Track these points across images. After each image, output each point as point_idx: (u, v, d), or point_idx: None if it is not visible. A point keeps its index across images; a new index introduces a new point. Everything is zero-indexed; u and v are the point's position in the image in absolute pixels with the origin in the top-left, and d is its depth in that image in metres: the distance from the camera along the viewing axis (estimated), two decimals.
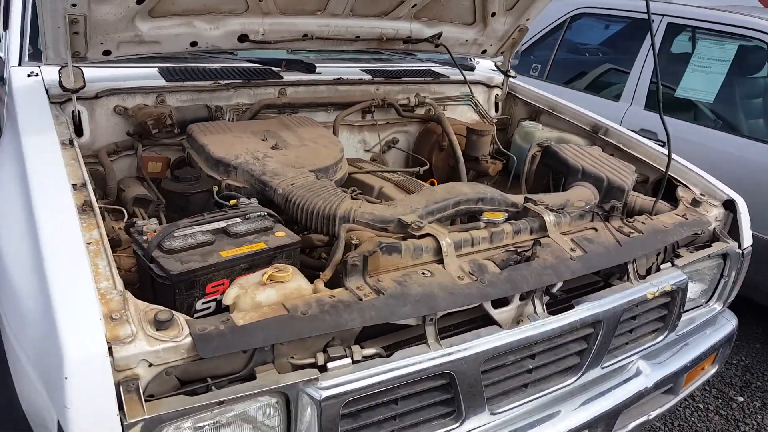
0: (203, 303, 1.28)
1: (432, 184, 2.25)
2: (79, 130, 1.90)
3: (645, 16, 4.12)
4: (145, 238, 1.31)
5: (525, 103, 2.89)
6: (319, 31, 2.27)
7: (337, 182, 1.91)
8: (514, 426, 1.52)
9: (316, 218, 1.59)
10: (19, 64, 1.98)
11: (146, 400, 1.04)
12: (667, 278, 1.74)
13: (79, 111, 1.87)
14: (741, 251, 1.99)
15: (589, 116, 2.60)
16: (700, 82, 3.77)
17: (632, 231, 1.74)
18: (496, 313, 1.48)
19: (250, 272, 1.32)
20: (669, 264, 1.81)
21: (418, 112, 2.69)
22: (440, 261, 1.47)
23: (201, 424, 1.11)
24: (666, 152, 2.24)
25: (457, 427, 1.40)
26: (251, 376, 1.15)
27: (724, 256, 1.99)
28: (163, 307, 1.11)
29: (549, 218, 1.66)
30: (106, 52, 1.87)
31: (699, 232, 1.96)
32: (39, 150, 1.47)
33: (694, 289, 1.98)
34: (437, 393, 1.36)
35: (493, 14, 2.61)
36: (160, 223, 1.52)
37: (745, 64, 3.70)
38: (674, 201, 2.07)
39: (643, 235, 1.73)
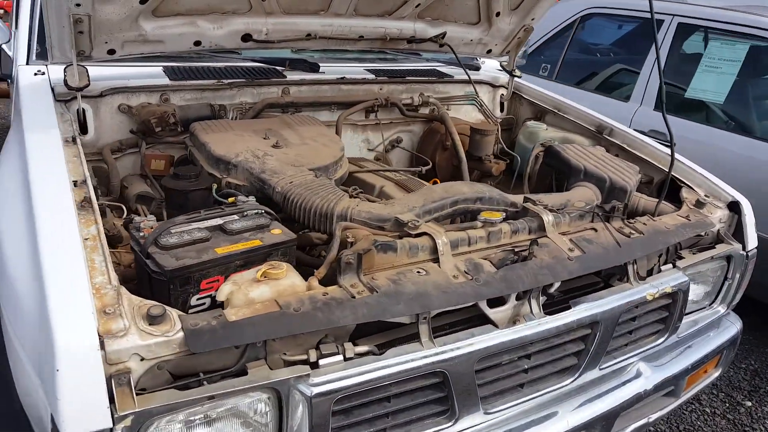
0: (198, 299, 1.29)
1: (435, 183, 2.25)
2: (83, 128, 1.93)
3: (656, 16, 4.11)
4: (142, 234, 1.33)
5: (530, 103, 2.88)
6: (322, 30, 2.28)
7: (337, 181, 1.92)
8: (509, 426, 1.52)
9: (313, 216, 1.60)
10: (27, 63, 2.02)
11: (137, 394, 1.05)
12: (667, 280, 1.73)
13: (83, 109, 1.90)
14: (745, 253, 1.97)
15: (593, 116, 2.58)
16: (711, 82, 3.72)
17: (633, 232, 1.72)
18: (492, 313, 1.48)
19: (246, 269, 1.33)
20: (670, 265, 1.79)
21: (422, 112, 2.69)
22: (436, 260, 1.47)
23: (192, 418, 1.12)
24: (677, 153, 2.23)
25: (450, 426, 1.39)
26: (243, 372, 1.16)
27: (728, 258, 1.96)
28: (156, 303, 1.13)
29: (547, 218, 1.65)
30: (111, 51, 1.89)
31: (702, 234, 1.94)
32: (41, 147, 1.49)
33: (697, 291, 1.96)
34: (430, 391, 1.36)
35: (498, 14, 2.60)
36: (159, 220, 1.54)
37: (757, 64, 3.65)
38: (678, 202, 2.05)
39: (644, 236, 1.72)
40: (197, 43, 2.05)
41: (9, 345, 1.28)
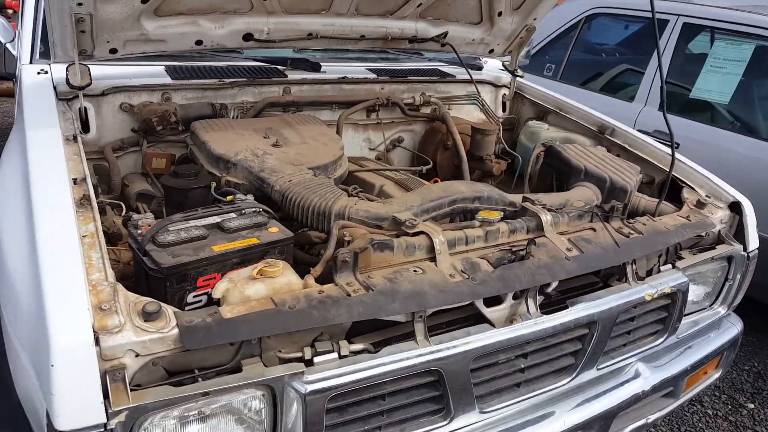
0: (194, 296, 1.30)
1: (435, 183, 2.25)
2: (85, 127, 1.94)
3: (660, 16, 4.11)
4: (139, 231, 1.34)
5: (532, 103, 2.87)
6: (323, 30, 2.29)
7: (336, 180, 1.92)
8: (506, 425, 1.52)
9: (311, 215, 1.61)
10: (30, 62, 2.04)
11: (132, 390, 1.06)
12: (666, 280, 1.72)
13: (85, 108, 1.91)
14: (746, 254, 1.96)
15: (595, 116, 2.57)
16: (716, 82, 3.70)
17: (632, 232, 1.72)
18: (489, 312, 1.48)
19: (242, 267, 1.34)
20: (669, 266, 1.78)
21: (423, 112, 2.69)
22: (433, 259, 1.47)
23: (186, 415, 1.13)
24: (678, 153, 2.22)
25: (445, 425, 1.40)
26: (237, 369, 1.17)
27: (729, 258, 1.95)
28: (151, 299, 1.14)
29: (546, 218, 1.65)
30: (113, 51, 1.91)
31: (703, 235, 1.93)
32: (41, 144, 1.51)
33: (697, 292, 1.96)
34: (425, 390, 1.37)
35: (500, 14, 2.60)
36: (159, 218, 1.55)
37: (762, 64, 3.62)
38: (680, 202, 2.04)
39: (643, 237, 1.71)
40: (199, 43, 2.06)
41: (8, 342, 1.29)
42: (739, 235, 1.99)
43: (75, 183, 1.41)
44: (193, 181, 1.65)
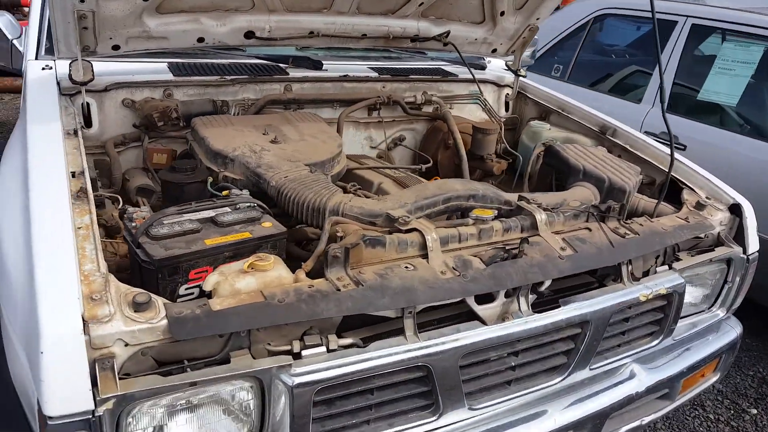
0: (186, 289, 1.32)
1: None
2: (88, 122, 1.97)
3: (669, 17, 4.08)
4: (134, 224, 1.36)
5: (535, 103, 2.87)
6: (325, 28, 2.30)
7: (334, 177, 1.94)
8: (496, 423, 1.52)
9: (306, 211, 1.62)
10: (36, 58, 2.08)
11: (121, 378, 1.08)
12: (662, 281, 1.71)
13: (88, 103, 1.94)
14: (746, 257, 1.94)
15: (597, 117, 2.56)
16: (724, 84, 3.67)
17: (628, 232, 1.71)
18: (480, 310, 1.48)
19: (235, 260, 1.35)
20: (666, 267, 1.78)
21: (425, 110, 2.70)
22: (425, 256, 1.48)
23: (174, 404, 1.15)
24: (678, 154, 2.21)
25: (434, 420, 1.40)
26: (226, 360, 1.19)
27: (729, 261, 1.94)
28: (142, 290, 1.16)
29: (540, 217, 1.65)
30: (116, 47, 1.94)
31: (702, 236, 1.92)
32: (42, 138, 1.54)
33: (695, 294, 1.94)
34: (414, 385, 1.37)
35: (502, 13, 2.60)
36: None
37: None
38: (680, 204, 2.03)
39: (639, 237, 1.71)
40: (200, 40, 2.09)
41: (4, 330, 1.32)
42: (740, 237, 1.97)
43: (73, 176, 1.44)
44: (190, 176, 1.67)
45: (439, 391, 1.38)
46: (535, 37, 3.26)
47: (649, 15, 4.20)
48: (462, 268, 1.44)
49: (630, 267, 1.71)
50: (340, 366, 1.25)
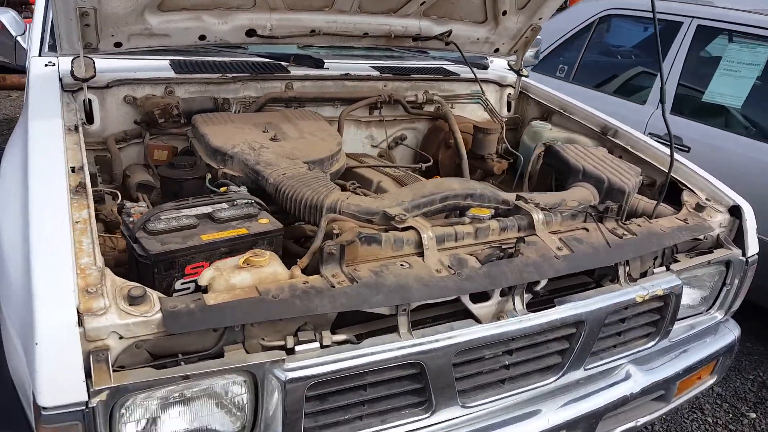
0: (182, 283, 1.33)
1: None
2: (90, 118, 1.99)
3: (675, 18, 4.06)
4: (131, 219, 1.37)
5: (537, 103, 2.86)
6: (326, 27, 2.31)
7: (333, 175, 1.94)
8: (489, 421, 1.52)
9: (303, 208, 1.63)
10: (39, 55, 2.10)
11: (115, 371, 1.09)
12: (659, 282, 1.71)
13: (90, 99, 1.96)
14: (745, 259, 1.93)
15: (599, 117, 2.56)
16: (729, 86, 3.65)
17: (625, 233, 1.71)
18: (476, 308, 1.49)
19: (231, 256, 1.36)
20: (663, 268, 1.77)
21: (426, 110, 2.70)
22: (421, 254, 1.48)
23: (168, 397, 1.16)
24: (679, 156, 2.21)
25: (427, 418, 1.41)
26: (220, 355, 1.20)
27: (728, 263, 1.93)
28: (137, 284, 1.17)
29: (538, 217, 1.65)
30: (118, 44, 1.95)
31: (701, 238, 1.92)
32: (42, 133, 1.55)
33: (693, 296, 1.94)
34: (407, 382, 1.38)
35: (505, 13, 2.60)
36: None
37: None
38: (680, 205, 2.02)
39: (637, 238, 1.71)
40: (202, 38, 2.10)
41: (3, 324, 1.33)
42: (739, 239, 1.96)
43: (73, 171, 1.45)
44: (189, 172, 1.68)
45: (432, 388, 1.38)
46: (539, 37, 3.26)
47: (657, 15, 4.21)
48: (457, 266, 1.44)
49: (627, 268, 1.71)
50: (333, 362, 1.26)
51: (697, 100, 3.75)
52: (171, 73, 2.15)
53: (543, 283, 1.56)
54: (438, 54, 3.00)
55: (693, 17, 3.81)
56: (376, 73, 2.60)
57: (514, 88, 2.95)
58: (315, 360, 1.24)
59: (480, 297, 1.49)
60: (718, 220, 1.95)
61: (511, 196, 1.78)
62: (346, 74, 2.50)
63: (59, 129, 1.58)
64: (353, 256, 1.43)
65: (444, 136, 2.64)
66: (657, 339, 1.78)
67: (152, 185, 1.92)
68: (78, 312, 1.07)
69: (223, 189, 1.63)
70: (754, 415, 2.82)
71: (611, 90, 4.31)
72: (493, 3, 2.54)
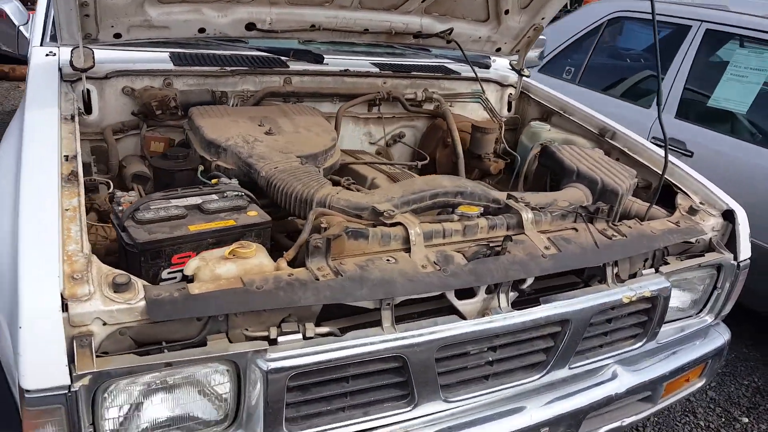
0: (169, 273, 1.35)
1: None
2: (88, 108, 2.01)
3: (682, 21, 4.04)
4: (120, 208, 1.39)
5: (537, 104, 2.86)
6: (327, 22, 2.32)
7: (327, 170, 1.96)
8: (473, 416, 1.53)
9: (294, 202, 1.64)
10: (41, 44, 2.12)
11: (98, 356, 1.11)
12: (647, 284, 1.71)
13: (88, 90, 1.98)
14: (737, 263, 1.93)
15: (597, 119, 2.55)
16: (735, 91, 3.62)
17: (615, 234, 1.71)
18: (461, 305, 1.50)
19: (218, 247, 1.38)
20: (652, 270, 1.77)
21: (425, 108, 2.71)
22: (408, 250, 1.49)
23: (150, 383, 1.18)
24: (675, 159, 2.21)
25: (409, 411, 1.42)
26: (203, 343, 1.21)
27: (719, 267, 1.93)
28: (122, 272, 1.19)
29: (527, 216, 1.66)
30: (117, 35, 1.97)
31: (692, 241, 1.91)
32: (38, 121, 1.58)
33: (683, 299, 1.94)
34: (390, 376, 1.39)
35: (507, 12, 2.60)
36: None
37: None
38: (674, 208, 2.02)
39: (626, 239, 1.71)
40: (202, 31, 2.12)
41: None
42: (732, 244, 1.96)
43: (66, 159, 1.47)
44: (181, 163, 1.70)
45: (415, 382, 1.40)
46: (543, 37, 3.25)
47: (665, 18, 4.19)
48: (443, 262, 1.45)
49: (616, 269, 1.72)
50: (315, 353, 1.27)
51: (703, 105, 3.72)
52: (170, 65, 2.17)
53: (529, 281, 1.57)
54: (440, 52, 3.00)
55: (702, 21, 3.78)
56: (375, 70, 2.60)
57: (515, 88, 2.95)
58: (297, 351, 1.26)
59: (466, 294, 1.50)
60: (710, 224, 1.94)
61: (501, 195, 1.78)
62: (345, 70, 2.51)
63: (55, 118, 1.60)
64: (340, 250, 1.44)
65: (442, 134, 2.65)
66: (644, 340, 1.79)
67: (148, 176, 1.94)
68: (63, 297, 1.09)
69: (214, 181, 1.64)
70: (746, 420, 2.82)
71: (618, 93, 4.28)
72: (496, 2, 2.54)
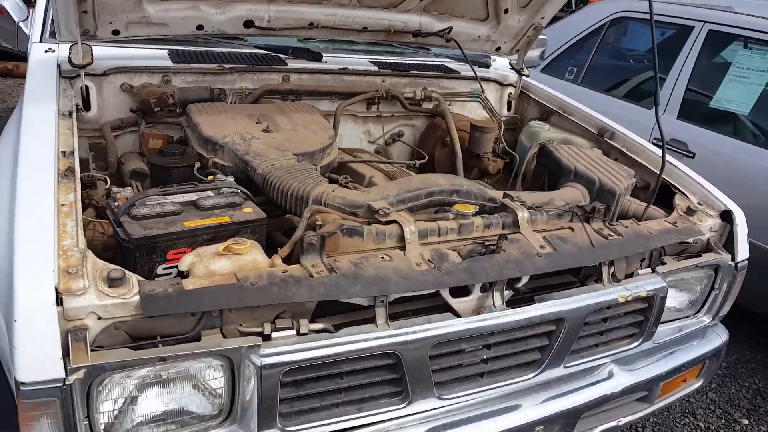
0: (164, 269, 1.36)
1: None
2: (87, 105, 2.02)
3: (685, 22, 4.02)
4: (116, 204, 1.40)
5: (537, 103, 2.86)
6: (325, 20, 2.32)
7: (324, 168, 1.96)
8: (468, 414, 1.54)
9: (290, 199, 1.65)
10: (40, 41, 2.13)
11: (93, 350, 1.12)
12: (643, 284, 1.71)
13: (87, 86, 1.99)
14: (734, 264, 1.93)
15: (596, 119, 2.55)
16: (737, 92, 3.61)
17: (611, 234, 1.71)
18: (455, 303, 1.50)
19: (213, 244, 1.38)
20: (649, 270, 1.77)
21: (424, 107, 2.71)
22: (403, 248, 1.50)
23: (144, 377, 1.19)
24: (673, 159, 2.20)
25: (403, 408, 1.43)
26: (197, 339, 1.22)
27: (717, 268, 1.93)
28: (117, 267, 1.19)
29: (522, 215, 1.66)
30: (115, 32, 1.98)
31: (690, 242, 1.91)
32: (36, 117, 1.58)
33: (680, 299, 1.94)
34: (384, 372, 1.40)
35: (506, 11, 2.60)
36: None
37: None
38: (672, 208, 2.02)
39: (622, 239, 1.70)
40: (200, 28, 2.12)
41: None
42: (730, 244, 1.95)
43: (63, 155, 1.48)
44: (178, 160, 1.71)
45: (409, 379, 1.40)
46: (544, 37, 3.25)
47: (667, 19, 4.18)
48: (438, 260, 1.46)
49: (612, 268, 1.72)
50: (308, 349, 1.27)
51: (705, 106, 3.71)
52: (169, 63, 2.17)
53: (524, 280, 1.57)
54: (439, 51, 3.00)
55: (705, 22, 3.77)
56: (374, 68, 2.61)
57: (514, 87, 2.95)
58: (291, 347, 1.26)
59: (461, 292, 1.50)
60: (708, 225, 1.94)
61: (498, 194, 1.78)
62: (344, 68, 2.51)
63: (53, 114, 1.61)
64: (335, 248, 1.44)
65: (441, 133, 2.65)
66: (640, 340, 1.78)
67: (146, 173, 1.94)
68: (57, 291, 1.10)
69: (210, 178, 1.65)
70: (746, 422, 2.81)
71: (621, 94, 4.26)
72: (495, 1, 2.53)
